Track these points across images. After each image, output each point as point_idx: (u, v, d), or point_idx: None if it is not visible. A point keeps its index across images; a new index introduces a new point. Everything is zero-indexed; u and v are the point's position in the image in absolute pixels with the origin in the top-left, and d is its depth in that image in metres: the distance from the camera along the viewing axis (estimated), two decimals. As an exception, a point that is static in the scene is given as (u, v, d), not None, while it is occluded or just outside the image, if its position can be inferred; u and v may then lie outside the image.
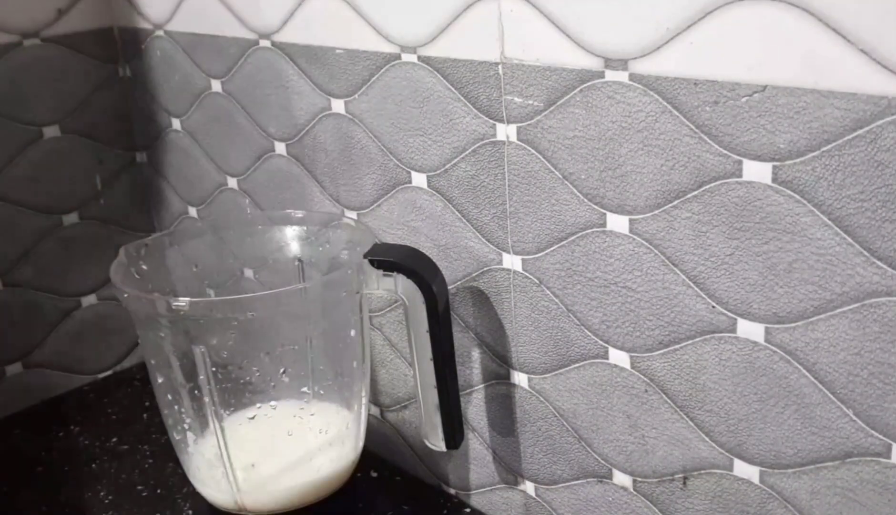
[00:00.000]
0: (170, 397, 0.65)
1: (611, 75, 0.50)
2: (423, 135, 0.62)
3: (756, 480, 0.51)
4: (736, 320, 0.49)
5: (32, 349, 0.87)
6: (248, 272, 0.73)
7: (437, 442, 0.63)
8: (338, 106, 0.68)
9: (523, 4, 0.53)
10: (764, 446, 0.50)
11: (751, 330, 0.49)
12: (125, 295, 0.61)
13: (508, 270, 0.60)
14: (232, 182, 0.82)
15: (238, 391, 0.67)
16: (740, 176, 0.46)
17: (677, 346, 0.53)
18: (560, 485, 0.63)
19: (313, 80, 0.69)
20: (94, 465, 0.77)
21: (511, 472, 0.66)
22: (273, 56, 0.71)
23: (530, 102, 0.55)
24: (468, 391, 0.66)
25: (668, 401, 0.54)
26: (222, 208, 0.83)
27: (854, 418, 0.46)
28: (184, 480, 0.69)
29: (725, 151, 0.47)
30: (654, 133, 0.49)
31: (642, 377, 0.55)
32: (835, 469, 0.48)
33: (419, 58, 0.60)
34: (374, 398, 0.74)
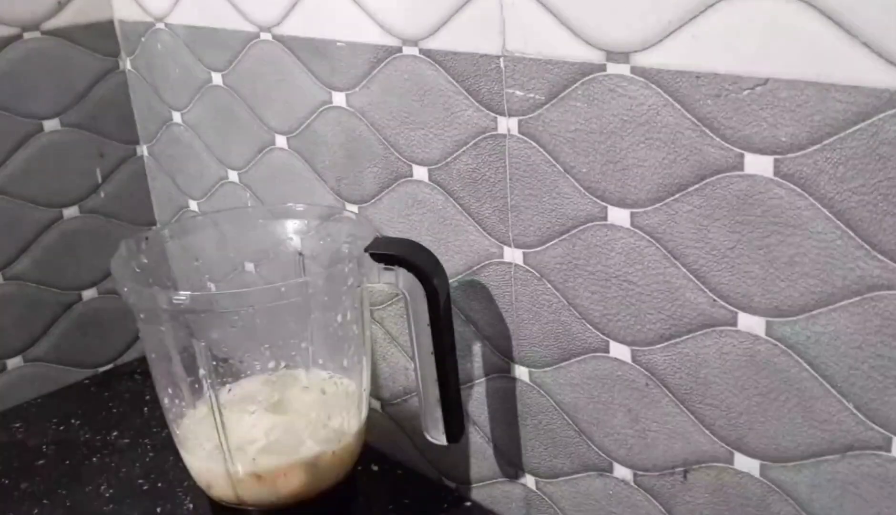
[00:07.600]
0: (170, 390, 0.65)
1: (612, 68, 0.50)
2: (425, 128, 0.62)
3: (756, 473, 0.51)
4: (737, 313, 0.49)
5: (33, 342, 0.87)
6: (249, 266, 0.73)
7: (437, 436, 0.63)
8: (339, 99, 0.68)
9: (525, -3, 0.53)
10: (764, 439, 0.50)
11: (752, 324, 0.49)
12: (125, 289, 0.60)
13: (509, 263, 0.60)
14: (233, 175, 0.81)
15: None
16: (742, 169, 0.46)
17: (678, 339, 0.52)
18: (561, 479, 0.63)
19: (314, 73, 0.69)
20: (94, 459, 0.77)
21: (512, 466, 0.66)
22: (274, 49, 0.71)
23: (531, 95, 0.54)
24: (469, 384, 0.66)
25: (669, 395, 0.54)
26: (223, 201, 0.83)
27: (854, 411, 0.46)
28: (184, 473, 0.69)
29: (727, 145, 0.46)
30: (655, 126, 0.49)
31: (643, 370, 0.55)
32: (835, 463, 0.48)
33: (420, 51, 0.60)
34: (375, 392, 0.74)
